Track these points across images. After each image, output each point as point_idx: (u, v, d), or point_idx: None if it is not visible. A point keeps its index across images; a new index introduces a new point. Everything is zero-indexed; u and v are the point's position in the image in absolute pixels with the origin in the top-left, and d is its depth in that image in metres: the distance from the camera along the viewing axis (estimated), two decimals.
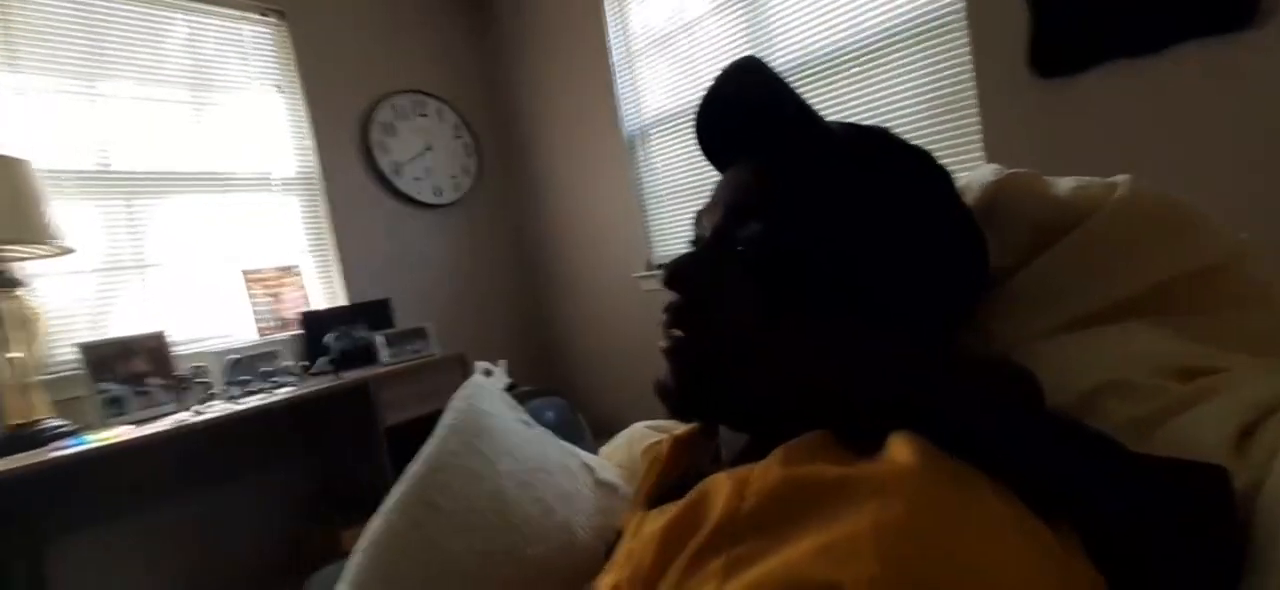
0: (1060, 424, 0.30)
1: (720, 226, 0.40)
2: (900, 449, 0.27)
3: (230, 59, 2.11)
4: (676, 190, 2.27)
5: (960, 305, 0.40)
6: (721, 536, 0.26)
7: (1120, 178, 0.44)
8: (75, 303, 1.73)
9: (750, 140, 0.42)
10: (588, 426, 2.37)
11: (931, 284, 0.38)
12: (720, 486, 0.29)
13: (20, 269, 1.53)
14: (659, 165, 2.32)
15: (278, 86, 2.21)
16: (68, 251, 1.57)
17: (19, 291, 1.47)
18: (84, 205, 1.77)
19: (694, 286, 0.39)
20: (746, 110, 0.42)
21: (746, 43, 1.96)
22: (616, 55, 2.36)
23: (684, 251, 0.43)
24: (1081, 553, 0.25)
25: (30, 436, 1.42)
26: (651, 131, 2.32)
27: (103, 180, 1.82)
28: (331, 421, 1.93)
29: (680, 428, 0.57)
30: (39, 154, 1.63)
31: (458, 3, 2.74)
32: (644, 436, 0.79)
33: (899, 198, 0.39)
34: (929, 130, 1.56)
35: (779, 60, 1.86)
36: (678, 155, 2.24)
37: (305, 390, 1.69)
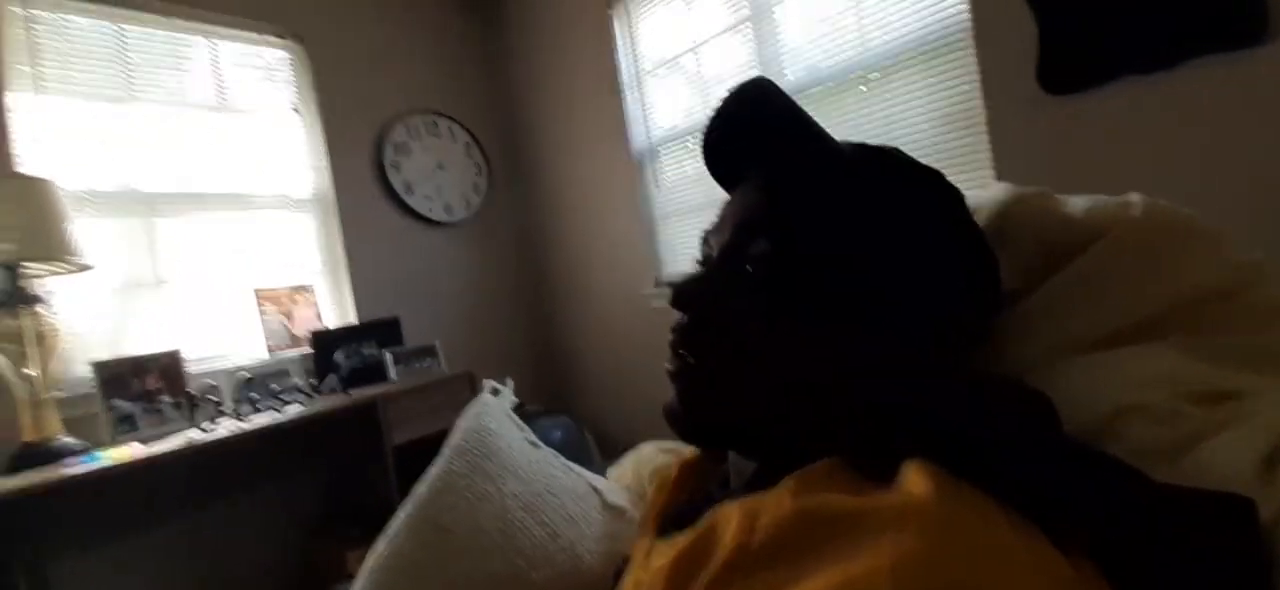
0: (1077, 449, 0.29)
1: (728, 245, 0.40)
2: (915, 479, 0.26)
3: (250, 82, 2.16)
4: (686, 208, 2.27)
5: (971, 324, 0.39)
6: (732, 571, 0.26)
7: (1133, 196, 0.43)
8: (96, 320, 1.76)
9: (758, 159, 0.42)
10: (595, 446, 2.36)
11: (941, 303, 0.37)
12: (729, 518, 0.28)
13: (41, 286, 1.55)
14: (668, 183, 2.33)
15: (295, 108, 2.25)
16: (86, 267, 1.60)
17: (38, 308, 1.50)
18: (105, 224, 1.81)
19: (701, 305, 0.39)
20: (755, 130, 0.42)
21: (755, 61, 1.97)
22: (626, 74, 2.38)
23: (691, 271, 0.43)
24: (1102, 586, 0.24)
25: (42, 453, 1.43)
26: (661, 150, 2.34)
27: (125, 200, 1.86)
28: (340, 440, 1.93)
29: (690, 450, 0.56)
30: (65, 174, 1.67)
31: (470, 25, 2.79)
32: (652, 458, 0.78)
33: (908, 217, 0.39)
34: (938, 147, 1.56)
35: (788, 79, 1.88)
36: (687, 173, 2.25)
37: (314, 409, 1.70)
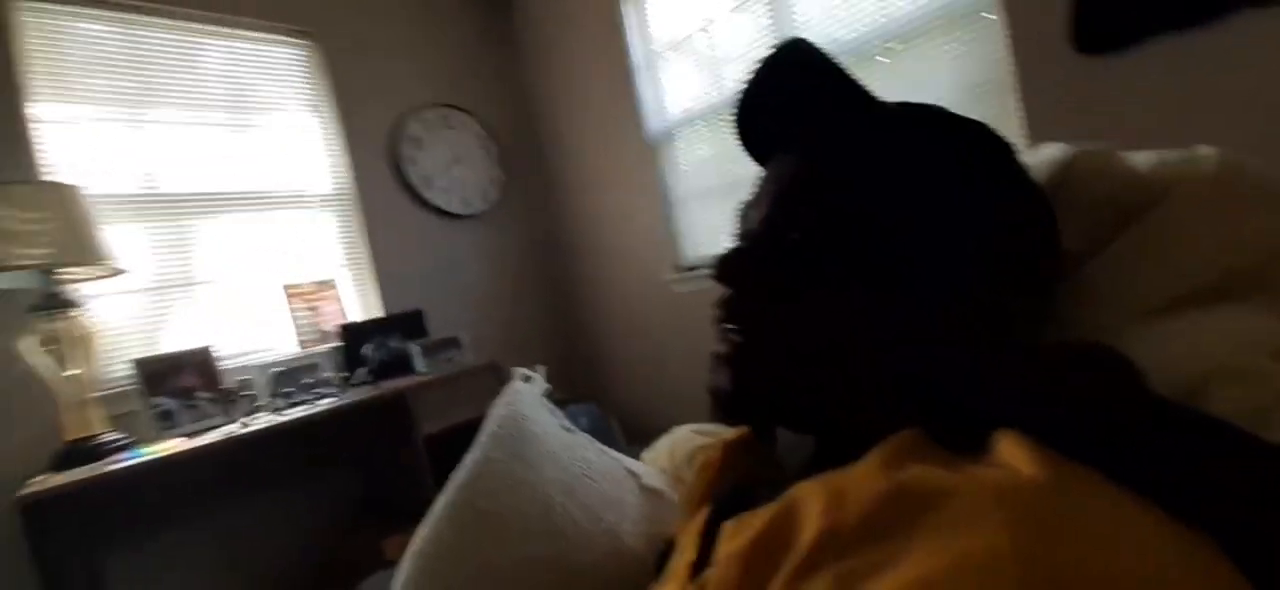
0: (1175, 412, 0.27)
1: (771, 215, 0.39)
2: (1014, 452, 0.24)
3: (266, 81, 2.17)
4: (703, 191, 2.24)
5: (1033, 286, 0.37)
6: (823, 552, 0.24)
7: (1203, 149, 0.41)
8: (128, 320, 1.80)
9: (799, 126, 0.41)
10: (620, 432, 2.36)
11: (999, 263, 0.35)
12: (811, 497, 0.27)
13: (76, 291, 1.59)
14: (685, 166, 2.30)
15: (312, 106, 2.26)
16: (120, 272, 1.63)
17: (74, 312, 1.53)
18: (133, 227, 1.84)
19: (746, 278, 0.38)
20: (796, 95, 0.41)
21: (769, 37, 1.93)
22: (637, 58, 2.35)
23: (732, 245, 0.42)
24: (1224, 558, 0.22)
25: (88, 450, 1.48)
26: (676, 133, 2.31)
27: (150, 203, 1.89)
28: (371, 431, 1.96)
29: (730, 431, 0.55)
30: (90, 180, 1.70)
31: (480, 17, 2.78)
32: (687, 440, 0.78)
33: (959, 176, 0.37)
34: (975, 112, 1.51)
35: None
36: (703, 155, 2.22)
37: (346, 401, 1.72)
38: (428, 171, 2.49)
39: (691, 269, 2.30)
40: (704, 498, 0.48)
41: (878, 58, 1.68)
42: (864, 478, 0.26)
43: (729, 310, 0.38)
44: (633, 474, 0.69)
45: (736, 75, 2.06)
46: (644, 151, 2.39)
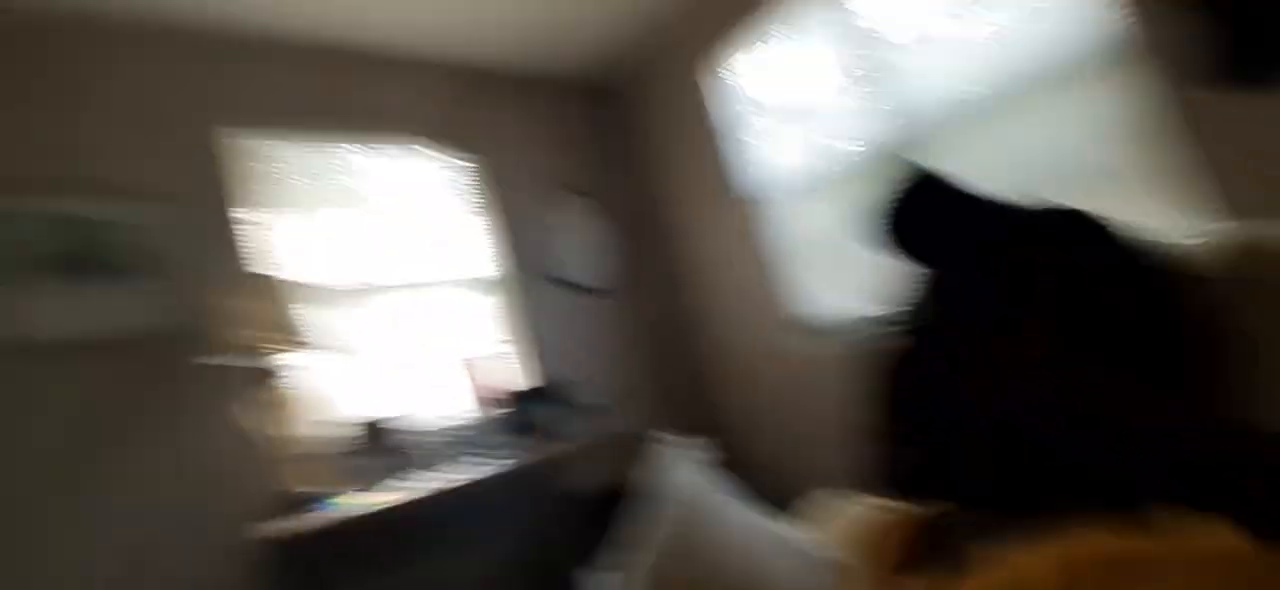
0: None
1: (923, 317, 0.44)
2: (1207, 525, 0.28)
3: (440, 187, 2.62)
4: (816, 249, 2.29)
5: (1182, 365, 0.38)
6: None
7: None
8: (331, 389, 2.14)
9: (943, 237, 0.46)
10: (761, 494, 2.34)
11: (1145, 343, 0.37)
12: (1028, 566, 0.31)
13: (285, 364, 1.91)
14: (796, 226, 2.38)
15: (476, 207, 2.66)
16: (322, 348, 1.95)
17: (284, 382, 1.85)
18: (342, 311, 2.22)
19: (911, 379, 0.43)
20: (935, 213, 0.46)
21: (876, 98, 1.96)
22: (741, 126, 2.52)
23: (899, 345, 0.47)
24: None
25: (300, 502, 1.72)
26: (784, 195, 2.40)
27: (351, 290, 2.29)
28: (533, 492, 2.14)
29: (878, 502, 0.58)
30: (298, 272, 2.08)
31: (599, 110, 3.14)
32: (844, 511, 0.80)
33: (1105, 264, 0.40)
34: (1115, 165, 1.39)
35: (922, 113, 1.84)
36: (813, 215, 2.27)
37: (513, 464, 1.92)
38: (565, 253, 2.77)
39: (814, 328, 2.30)
40: (897, 566, 0.51)
41: (1007, 112, 1.62)
42: (1082, 548, 0.30)
43: (900, 406, 0.43)
44: (801, 544, 0.72)
45: (842, 136, 2.10)
46: (755, 215, 2.50)
